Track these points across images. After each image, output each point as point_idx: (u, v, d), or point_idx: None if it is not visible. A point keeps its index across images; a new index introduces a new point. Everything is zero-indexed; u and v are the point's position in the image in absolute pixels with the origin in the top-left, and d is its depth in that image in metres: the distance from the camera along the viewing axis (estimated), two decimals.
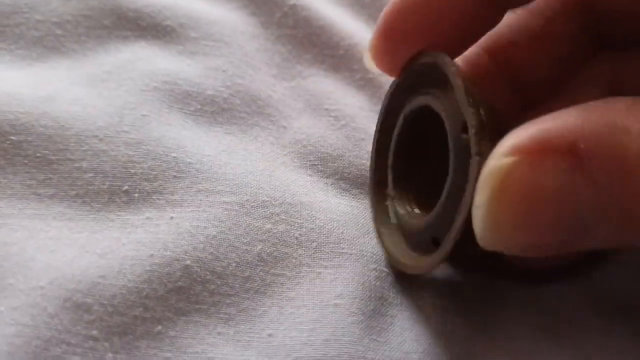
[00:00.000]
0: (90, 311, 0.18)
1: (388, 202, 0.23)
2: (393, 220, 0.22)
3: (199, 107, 0.24)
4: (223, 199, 0.21)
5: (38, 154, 0.21)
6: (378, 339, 0.19)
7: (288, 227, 0.22)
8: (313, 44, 0.28)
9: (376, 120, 0.23)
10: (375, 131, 0.23)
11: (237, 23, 0.27)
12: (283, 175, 0.23)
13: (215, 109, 0.24)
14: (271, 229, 0.21)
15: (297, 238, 0.21)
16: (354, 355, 0.19)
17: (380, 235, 0.22)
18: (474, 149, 0.18)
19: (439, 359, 0.19)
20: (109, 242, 0.20)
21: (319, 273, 0.21)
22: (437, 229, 0.20)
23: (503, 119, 0.20)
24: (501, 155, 0.16)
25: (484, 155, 0.17)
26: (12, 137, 0.22)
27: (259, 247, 0.21)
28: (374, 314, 0.20)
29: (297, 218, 0.22)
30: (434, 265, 0.19)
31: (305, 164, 0.24)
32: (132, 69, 0.24)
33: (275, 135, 0.24)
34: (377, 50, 0.21)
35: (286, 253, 0.21)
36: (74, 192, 0.21)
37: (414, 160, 0.22)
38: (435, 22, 0.21)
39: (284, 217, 0.22)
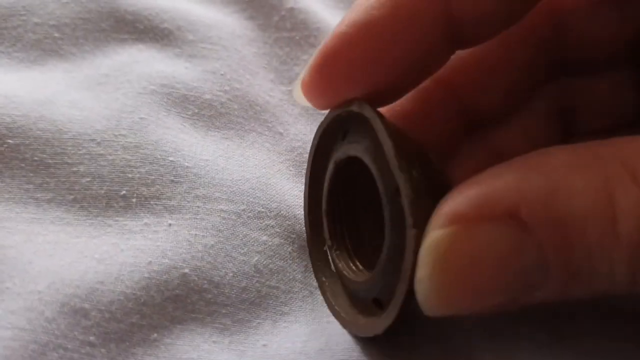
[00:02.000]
0: (88, 317, 0.18)
1: (326, 248, 0.21)
2: (332, 268, 0.21)
3: (196, 111, 0.24)
4: (220, 207, 0.22)
5: (35, 158, 0.21)
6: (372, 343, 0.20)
7: (282, 240, 0.22)
8: (311, 45, 0.28)
9: None
10: (306, 173, 0.22)
11: (235, 27, 0.27)
12: (279, 184, 0.23)
13: (213, 113, 0.24)
14: (267, 241, 0.22)
15: (290, 253, 0.22)
16: None
17: (321, 286, 0.21)
18: (408, 219, 0.17)
19: None
20: (107, 247, 0.20)
21: (311, 292, 0.21)
22: (378, 290, 0.19)
23: (440, 173, 0.19)
24: (440, 226, 0.16)
25: (419, 226, 0.16)
26: (9, 141, 0.22)
27: (256, 258, 0.21)
28: None
29: (290, 232, 0.22)
30: (380, 330, 0.18)
31: (300, 172, 0.24)
32: (129, 71, 0.24)
33: (272, 142, 0.24)
34: (310, 86, 0.19)
35: (281, 266, 0.21)
36: (72, 197, 0.21)
37: (347, 208, 0.21)
38: (379, 63, 0.19)
39: (278, 230, 0.22)
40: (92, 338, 0.18)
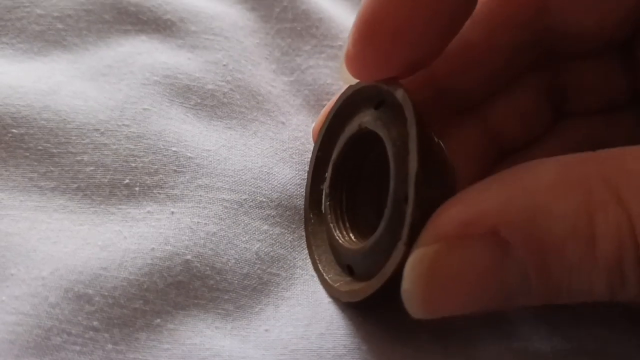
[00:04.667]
0: (91, 302, 0.18)
1: (323, 209, 0.22)
2: (325, 239, 0.22)
3: (199, 101, 0.24)
4: (222, 196, 0.22)
5: (39, 147, 0.22)
6: (374, 328, 0.20)
7: (283, 230, 0.22)
8: (312, 35, 0.28)
9: None
10: (315, 146, 0.23)
11: (237, 18, 0.27)
12: (281, 174, 0.23)
13: (215, 103, 0.24)
14: (268, 230, 0.22)
15: (290, 242, 0.22)
16: (349, 347, 0.19)
17: (311, 251, 0.22)
18: (404, 237, 0.18)
19: (433, 355, 0.19)
20: (110, 234, 0.20)
21: (312, 276, 0.21)
22: (361, 267, 0.20)
23: (451, 177, 0.19)
24: (424, 243, 0.17)
25: (410, 244, 0.17)
26: (14, 130, 0.22)
27: (257, 246, 0.21)
28: None
29: (291, 222, 0.22)
30: (357, 299, 0.19)
31: (303, 160, 0.24)
32: (132, 62, 0.25)
33: (274, 130, 0.25)
34: (356, 57, 0.20)
35: (282, 254, 0.21)
36: (75, 185, 0.21)
37: (352, 174, 0.22)
38: (421, 25, 0.19)
39: (279, 220, 0.22)
40: (95, 323, 0.18)
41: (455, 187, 0.19)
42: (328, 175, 0.22)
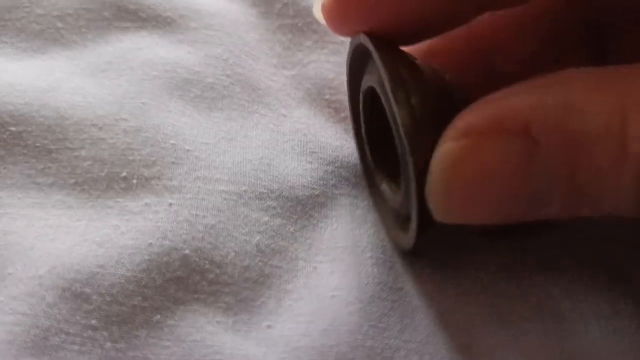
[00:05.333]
0: (89, 301, 0.18)
1: (372, 171, 0.23)
2: (378, 190, 0.22)
3: (198, 93, 0.24)
4: (221, 187, 0.21)
5: (37, 144, 0.22)
6: (378, 324, 0.19)
7: (284, 221, 0.22)
8: (313, 31, 0.28)
9: None
10: (349, 107, 0.24)
11: (238, 14, 0.27)
12: (282, 164, 0.23)
13: (215, 95, 0.24)
14: (268, 221, 0.21)
15: (292, 233, 0.21)
16: (353, 344, 0.19)
17: (375, 206, 0.22)
18: (407, 148, 0.17)
19: (436, 350, 0.19)
20: (108, 230, 0.20)
21: (315, 267, 0.21)
22: (405, 210, 0.20)
23: (455, 100, 0.19)
24: (452, 138, 0.17)
25: (418, 154, 0.17)
26: (12, 128, 0.22)
27: (257, 238, 0.21)
28: (372, 299, 0.20)
29: (292, 213, 0.22)
30: (409, 244, 0.20)
31: (305, 150, 0.24)
32: (132, 58, 0.24)
33: (275, 122, 0.24)
34: (330, 13, 0.20)
35: (283, 246, 0.21)
36: (73, 181, 0.21)
37: (381, 134, 0.22)
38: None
39: (279, 211, 0.22)
40: (93, 322, 0.18)
41: (453, 91, 0.19)
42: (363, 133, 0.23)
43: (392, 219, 0.22)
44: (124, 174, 0.21)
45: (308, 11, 0.28)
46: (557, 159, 0.16)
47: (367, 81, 0.21)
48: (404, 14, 0.19)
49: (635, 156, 0.16)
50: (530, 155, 0.16)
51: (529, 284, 0.21)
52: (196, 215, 0.20)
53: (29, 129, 0.22)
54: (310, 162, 0.23)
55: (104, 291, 0.18)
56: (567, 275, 0.21)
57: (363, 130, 0.23)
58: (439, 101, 0.18)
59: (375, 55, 0.19)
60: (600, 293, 0.20)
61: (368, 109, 0.22)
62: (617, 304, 0.20)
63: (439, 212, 0.17)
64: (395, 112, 0.18)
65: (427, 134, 0.17)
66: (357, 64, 0.22)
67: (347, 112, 0.25)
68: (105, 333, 0.18)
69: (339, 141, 0.24)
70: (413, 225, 0.19)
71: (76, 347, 0.18)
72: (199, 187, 0.21)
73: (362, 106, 0.22)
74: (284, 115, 0.25)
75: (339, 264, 0.21)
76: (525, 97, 0.17)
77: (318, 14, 0.20)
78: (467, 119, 0.17)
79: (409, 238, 0.20)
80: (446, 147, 0.17)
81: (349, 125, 0.25)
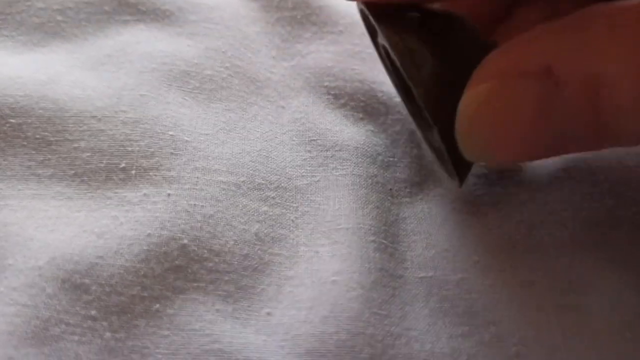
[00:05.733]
0: (88, 291, 0.18)
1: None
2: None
3: (197, 85, 0.24)
4: (220, 178, 0.21)
5: (37, 136, 0.22)
6: (379, 311, 0.19)
7: (284, 210, 0.22)
8: (312, 22, 0.28)
9: (375, 96, 0.25)
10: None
11: (238, 8, 0.27)
12: (280, 156, 0.23)
13: (214, 86, 0.24)
14: (267, 211, 0.21)
15: (293, 221, 0.21)
16: (353, 332, 0.19)
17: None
18: (429, 119, 0.19)
19: (437, 339, 0.19)
20: (107, 221, 0.20)
21: (317, 252, 0.21)
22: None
23: (471, 41, 0.20)
24: (478, 81, 0.18)
25: (440, 123, 0.19)
26: (12, 120, 0.22)
27: (256, 227, 0.21)
28: (374, 285, 0.20)
29: (292, 202, 0.22)
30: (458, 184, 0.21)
31: (304, 140, 0.24)
32: (131, 51, 0.24)
33: (274, 114, 0.24)
34: None
35: (283, 234, 0.21)
36: (73, 172, 0.21)
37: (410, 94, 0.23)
38: None
39: (279, 201, 0.22)
40: (93, 312, 0.18)
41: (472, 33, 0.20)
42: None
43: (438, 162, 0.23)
44: (123, 164, 0.21)
45: (307, 3, 0.28)
46: (579, 98, 0.17)
47: (382, 40, 0.21)
48: None
49: None
50: (553, 95, 0.17)
51: (531, 272, 0.21)
52: (194, 205, 0.20)
53: (29, 120, 0.22)
54: (309, 151, 0.23)
55: (103, 282, 0.18)
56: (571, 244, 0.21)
57: (391, 79, 0.23)
58: (456, 52, 0.19)
59: (378, 29, 0.19)
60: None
61: (389, 62, 0.23)
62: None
63: (469, 151, 0.19)
64: (410, 86, 0.19)
65: (445, 99, 0.18)
66: (368, 24, 0.23)
67: (346, 99, 0.25)
68: (104, 323, 0.18)
69: (339, 126, 0.24)
70: (451, 168, 0.20)
71: (76, 338, 0.18)
72: (197, 177, 0.21)
73: (385, 59, 0.23)
74: (283, 107, 0.25)
75: (340, 247, 0.21)
76: (547, 39, 0.17)
77: None
78: (492, 62, 0.18)
79: (452, 177, 0.21)
80: (473, 90, 0.18)
81: (349, 111, 0.25)
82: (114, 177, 0.21)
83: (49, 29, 0.25)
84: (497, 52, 0.18)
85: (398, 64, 0.19)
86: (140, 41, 0.25)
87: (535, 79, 0.17)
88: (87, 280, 0.18)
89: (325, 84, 0.25)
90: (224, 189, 0.21)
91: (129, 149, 0.22)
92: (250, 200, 0.21)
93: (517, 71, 0.17)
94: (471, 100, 0.18)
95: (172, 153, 0.22)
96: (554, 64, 0.17)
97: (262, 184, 0.22)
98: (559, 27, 0.17)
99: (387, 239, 0.21)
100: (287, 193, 0.22)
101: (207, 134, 0.23)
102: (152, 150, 0.22)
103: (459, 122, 0.18)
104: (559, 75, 0.17)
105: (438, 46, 0.19)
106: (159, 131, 0.22)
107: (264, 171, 0.22)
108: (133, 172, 0.21)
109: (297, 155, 0.23)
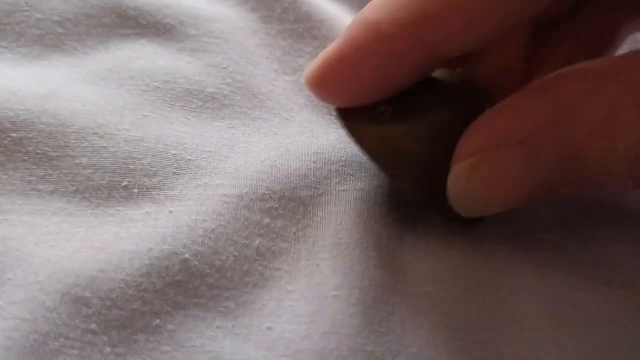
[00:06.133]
0: (88, 305, 0.18)
1: None
2: None
3: (200, 104, 0.24)
4: (222, 192, 0.21)
5: (38, 151, 0.22)
6: (378, 329, 0.19)
7: (286, 222, 0.21)
8: (314, 37, 0.28)
9: None
10: None
11: (237, 19, 0.27)
12: (286, 164, 0.23)
13: (217, 105, 0.24)
14: (269, 223, 0.21)
15: (294, 234, 0.21)
16: (353, 348, 0.18)
17: None
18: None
19: (438, 354, 0.19)
20: (108, 236, 0.20)
21: (318, 265, 0.21)
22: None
23: (455, 114, 0.21)
24: (461, 158, 0.19)
25: (430, 205, 0.21)
26: (13, 134, 0.22)
27: (258, 241, 0.21)
28: (374, 302, 0.20)
29: (294, 214, 0.22)
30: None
31: (309, 151, 0.23)
32: (132, 67, 0.24)
33: (278, 126, 0.24)
34: (321, 77, 0.21)
35: (285, 248, 0.21)
36: (74, 188, 0.21)
37: None
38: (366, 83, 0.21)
39: (282, 212, 0.22)
40: (93, 326, 0.18)
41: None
42: None
43: None
44: (125, 183, 0.21)
45: (308, 16, 0.28)
46: (555, 160, 0.19)
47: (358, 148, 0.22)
48: (380, 88, 0.21)
49: (625, 154, 0.18)
50: (533, 161, 0.19)
51: (527, 286, 0.21)
52: (196, 219, 0.20)
53: (30, 135, 0.22)
54: (315, 162, 0.23)
55: (103, 295, 0.18)
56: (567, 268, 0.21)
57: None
58: (437, 137, 0.21)
59: (351, 138, 0.21)
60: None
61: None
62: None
63: (463, 212, 0.20)
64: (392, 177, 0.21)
65: (429, 183, 0.20)
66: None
67: None
68: (104, 338, 0.18)
69: (343, 144, 0.24)
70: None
71: (76, 352, 0.17)
72: (199, 194, 0.21)
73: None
74: (287, 119, 0.25)
75: (341, 262, 0.20)
76: (521, 111, 0.19)
77: (304, 81, 0.22)
78: (471, 140, 0.19)
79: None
80: (459, 166, 0.19)
81: None
82: (116, 195, 0.21)
83: (49, 41, 0.25)
84: (475, 129, 0.19)
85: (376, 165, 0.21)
86: (142, 57, 0.25)
87: (512, 150, 0.19)
88: (87, 294, 0.18)
89: (327, 105, 0.25)
90: (226, 202, 0.21)
91: (132, 167, 0.22)
92: (253, 212, 0.21)
93: (494, 146, 0.19)
94: (458, 175, 0.20)
95: (174, 173, 0.22)
96: (529, 136, 0.18)
97: (266, 194, 0.22)
98: (531, 95, 0.19)
99: (388, 255, 0.21)
100: (291, 204, 0.22)
101: (209, 152, 0.23)
102: (155, 169, 0.22)
103: (452, 194, 0.20)
104: (534, 143, 0.18)
105: (409, 136, 0.21)
106: (162, 150, 0.22)
107: (268, 181, 0.22)
108: (135, 190, 0.21)
109: (302, 164, 0.23)
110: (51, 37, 0.25)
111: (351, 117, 0.21)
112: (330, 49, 0.21)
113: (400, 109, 0.21)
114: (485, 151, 0.19)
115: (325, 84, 0.21)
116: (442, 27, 0.20)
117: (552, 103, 0.19)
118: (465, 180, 0.19)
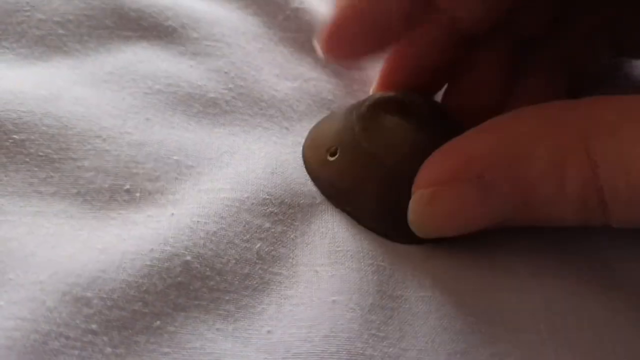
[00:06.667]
0: (89, 305, 0.18)
1: None
2: None
3: (201, 109, 0.24)
4: (224, 195, 0.21)
5: (40, 153, 0.21)
6: (377, 333, 0.19)
7: (285, 228, 0.22)
8: (315, 48, 0.28)
9: None
10: None
11: (239, 23, 0.27)
12: (285, 172, 0.23)
13: (218, 111, 0.24)
14: (269, 228, 0.21)
15: (293, 239, 0.22)
16: (353, 352, 0.19)
17: None
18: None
19: (436, 356, 0.19)
20: (110, 238, 0.20)
21: (316, 271, 0.21)
22: None
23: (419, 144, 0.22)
24: (420, 187, 0.21)
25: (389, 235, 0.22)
26: (15, 136, 0.22)
27: (258, 245, 0.21)
28: (372, 307, 0.20)
29: (293, 220, 0.22)
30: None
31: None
32: (134, 70, 0.25)
33: (278, 135, 0.25)
34: (329, 39, 0.24)
35: (284, 253, 0.21)
36: (76, 191, 0.21)
37: None
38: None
39: (281, 218, 0.22)
40: (94, 326, 0.18)
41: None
42: None
43: None
44: (127, 186, 0.21)
45: (310, 26, 0.28)
46: (508, 195, 0.20)
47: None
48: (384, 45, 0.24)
49: (573, 196, 0.19)
50: (487, 193, 0.20)
51: (525, 288, 0.21)
52: (197, 222, 0.20)
53: (32, 137, 0.22)
54: None
55: (104, 295, 0.18)
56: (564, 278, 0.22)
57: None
58: (400, 171, 0.22)
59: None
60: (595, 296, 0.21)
61: None
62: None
63: (422, 235, 0.22)
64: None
65: (377, 214, 0.22)
66: None
67: None
68: (105, 338, 0.18)
69: None
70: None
71: (76, 352, 0.17)
72: (201, 197, 0.21)
73: None
74: (287, 128, 0.25)
75: (339, 268, 0.21)
76: (478, 147, 0.20)
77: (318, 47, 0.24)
78: (430, 171, 0.21)
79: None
80: (418, 194, 0.21)
81: None
82: (118, 198, 0.21)
83: (50, 42, 0.25)
84: (435, 158, 0.21)
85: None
86: (143, 60, 0.25)
87: (468, 183, 0.20)
88: (88, 294, 0.18)
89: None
90: (227, 206, 0.21)
91: (134, 171, 0.22)
92: (254, 216, 0.21)
93: (452, 178, 0.20)
94: (417, 201, 0.21)
95: (176, 178, 0.22)
96: (484, 171, 0.20)
97: (267, 199, 0.22)
98: (489, 131, 0.21)
99: (385, 261, 0.21)
100: (290, 210, 0.22)
101: (210, 158, 0.23)
102: (158, 174, 0.22)
103: (410, 218, 0.21)
104: (489, 178, 0.20)
105: (381, 173, 0.23)
106: (164, 155, 0.22)
107: (269, 186, 0.22)
108: (137, 194, 0.21)
109: (300, 174, 0.23)
110: (52, 38, 0.25)
111: (309, 160, 0.24)
112: (334, 11, 0.23)
113: (346, 150, 0.23)
114: (444, 183, 0.20)
115: (336, 45, 0.24)
116: None
117: (510, 139, 0.20)
118: (423, 208, 0.21)
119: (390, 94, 0.24)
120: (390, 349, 0.19)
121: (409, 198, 0.22)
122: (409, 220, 0.21)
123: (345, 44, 0.24)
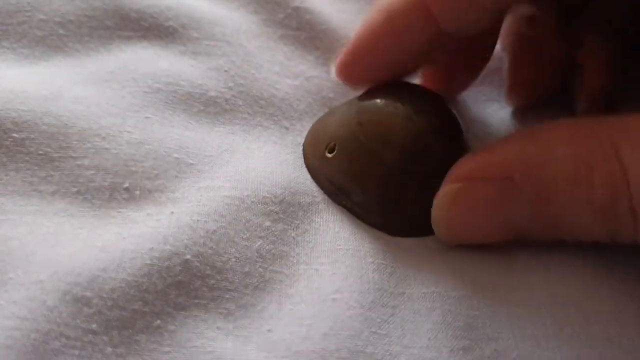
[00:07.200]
0: (89, 305, 0.18)
1: None
2: None
3: (201, 108, 0.24)
4: (224, 193, 0.21)
5: (40, 152, 0.21)
6: (378, 331, 0.19)
7: (286, 226, 0.22)
8: (316, 46, 0.28)
9: None
10: None
11: (240, 22, 0.27)
12: (285, 172, 0.23)
13: (218, 110, 0.24)
14: (270, 226, 0.21)
15: (294, 238, 0.21)
16: (353, 350, 0.19)
17: None
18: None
19: (439, 353, 0.19)
20: (110, 236, 0.20)
21: (317, 270, 0.21)
22: None
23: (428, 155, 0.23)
24: (451, 181, 0.21)
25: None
26: (15, 135, 0.22)
27: (258, 243, 0.21)
28: (373, 305, 0.20)
29: (294, 218, 0.22)
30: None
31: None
32: (134, 69, 0.25)
33: (278, 135, 0.25)
34: (344, 66, 0.25)
35: (284, 251, 0.21)
36: (75, 189, 0.21)
37: None
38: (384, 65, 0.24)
39: (282, 216, 0.22)
40: (94, 326, 0.18)
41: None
42: None
43: None
44: (127, 184, 0.21)
45: (311, 25, 0.28)
46: (534, 199, 0.20)
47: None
48: (401, 69, 0.25)
49: (600, 204, 0.19)
50: (511, 195, 0.20)
51: (528, 284, 0.21)
52: (197, 220, 0.20)
53: (32, 136, 0.22)
54: None
55: (105, 295, 0.18)
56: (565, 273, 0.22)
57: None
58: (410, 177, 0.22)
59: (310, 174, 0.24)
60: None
61: None
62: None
63: (439, 235, 0.22)
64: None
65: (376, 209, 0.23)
66: None
67: None
68: (105, 337, 0.18)
69: None
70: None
71: (76, 352, 0.17)
72: (201, 195, 0.21)
73: None
74: (286, 128, 0.25)
75: (340, 266, 0.21)
76: (511, 150, 0.21)
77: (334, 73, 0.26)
78: (464, 167, 0.21)
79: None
80: (446, 189, 0.21)
81: None
82: (118, 197, 0.21)
83: (50, 42, 0.25)
84: (469, 158, 0.22)
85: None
86: (143, 59, 0.25)
87: (498, 182, 0.20)
88: (88, 293, 0.18)
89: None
90: (227, 204, 0.21)
91: (133, 169, 0.22)
92: (254, 214, 0.21)
93: (482, 176, 0.21)
94: (443, 195, 0.21)
95: (176, 176, 0.22)
96: (514, 172, 0.20)
97: (267, 197, 0.22)
98: (522, 138, 0.21)
99: (386, 259, 0.21)
100: (290, 208, 0.22)
101: (210, 156, 0.23)
102: (157, 172, 0.22)
103: (434, 210, 0.22)
104: (517, 180, 0.20)
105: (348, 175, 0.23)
106: (164, 153, 0.22)
107: (269, 185, 0.22)
108: (137, 192, 0.21)
109: (300, 174, 0.23)
110: (53, 38, 0.25)
111: (308, 156, 0.24)
112: (352, 39, 0.24)
113: (345, 146, 0.23)
114: (474, 179, 0.21)
115: (350, 73, 0.25)
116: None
117: (540, 146, 0.20)
118: (448, 201, 0.21)
119: (386, 86, 0.24)
120: (392, 347, 0.19)
121: (409, 191, 0.22)
122: (432, 218, 0.22)
123: (359, 72, 0.25)
